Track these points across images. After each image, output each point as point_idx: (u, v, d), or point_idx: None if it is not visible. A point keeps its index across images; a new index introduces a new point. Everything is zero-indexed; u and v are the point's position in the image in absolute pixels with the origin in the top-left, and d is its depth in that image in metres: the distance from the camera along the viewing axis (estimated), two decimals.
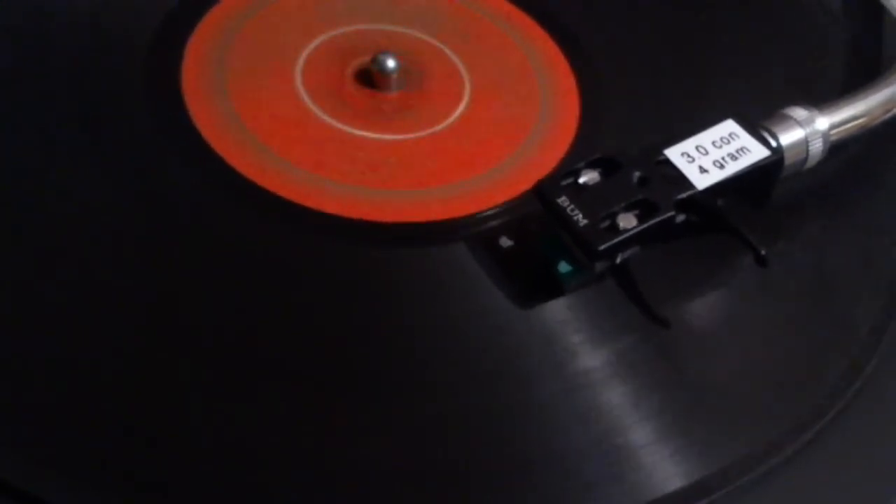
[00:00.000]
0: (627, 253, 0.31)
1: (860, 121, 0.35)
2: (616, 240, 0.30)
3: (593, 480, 0.28)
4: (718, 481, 0.29)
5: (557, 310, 0.31)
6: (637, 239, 0.31)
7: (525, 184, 0.32)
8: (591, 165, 0.32)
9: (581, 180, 0.31)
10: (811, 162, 0.34)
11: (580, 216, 0.30)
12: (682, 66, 0.40)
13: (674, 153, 0.32)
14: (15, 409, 0.27)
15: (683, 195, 0.31)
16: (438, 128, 0.36)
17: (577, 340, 0.31)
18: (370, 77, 0.37)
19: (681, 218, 0.31)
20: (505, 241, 0.32)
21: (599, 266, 0.31)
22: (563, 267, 0.31)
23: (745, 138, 0.33)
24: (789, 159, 0.33)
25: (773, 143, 0.33)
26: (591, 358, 0.30)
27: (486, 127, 0.37)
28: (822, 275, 0.34)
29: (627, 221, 0.30)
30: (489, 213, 0.34)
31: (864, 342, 0.33)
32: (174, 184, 0.33)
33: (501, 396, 0.30)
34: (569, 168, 0.32)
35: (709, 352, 0.32)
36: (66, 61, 0.36)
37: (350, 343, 0.30)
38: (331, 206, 0.33)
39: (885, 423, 0.32)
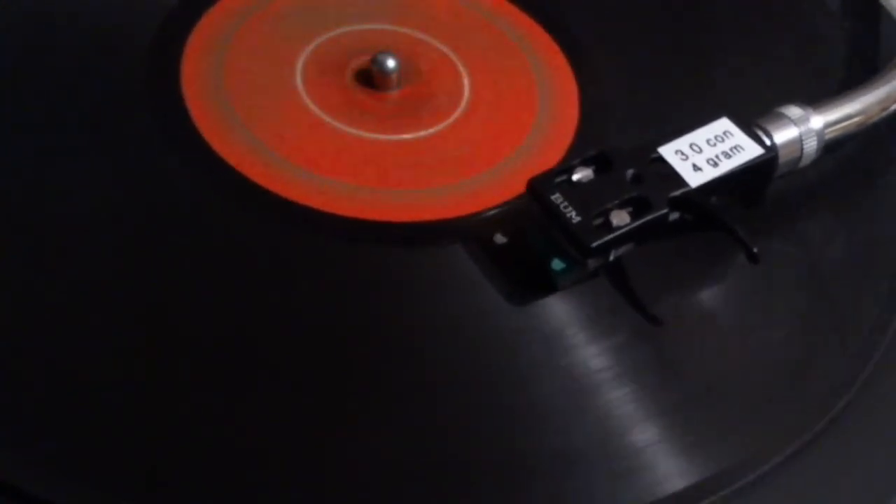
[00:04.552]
0: (621, 250, 0.31)
1: (856, 119, 0.35)
2: (609, 237, 0.30)
3: (593, 481, 0.28)
4: (719, 482, 0.29)
5: (551, 307, 0.31)
6: (630, 236, 0.31)
7: (525, 184, 0.32)
8: (585, 163, 0.32)
9: (575, 177, 0.31)
10: (806, 160, 0.34)
11: (573, 213, 0.30)
12: (682, 66, 0.40)
13: (667, 151, 0.32)
14: (15, 409, 0.27)
15: (677, 193, 0.31)
16: (438, 128, 0.36)
17: (572, 338, 0.31)
18: (370, 77, 0.37)
19: (674, 216, 0.31)
20: (500, 238, 0.33)
21: (593, 263, 0.31)
22: (557, 264, 0.31)
23: (739, 136, 0.33)
24: (783, 158, 0.33)
25: (767, 142, 0.33)
26: (587, 357, 0.30)
27: (486, 127, 0.37)
28: (819, 274, 0.34)
29: (620, 218, 0.31)
30: (489, 213, 0.34)
31: (864, 341, 0.33)
32: (173, 183, 0.33)
33: (498, 396, 0.30)
34: (562, 165, 0.32)
35: (707, 351, 0.32)
36: (66, 61, 0.36)
37: (349, 342, 0.30)
38: (330, 206, 0.33)
39: (885, 423, 0.32)
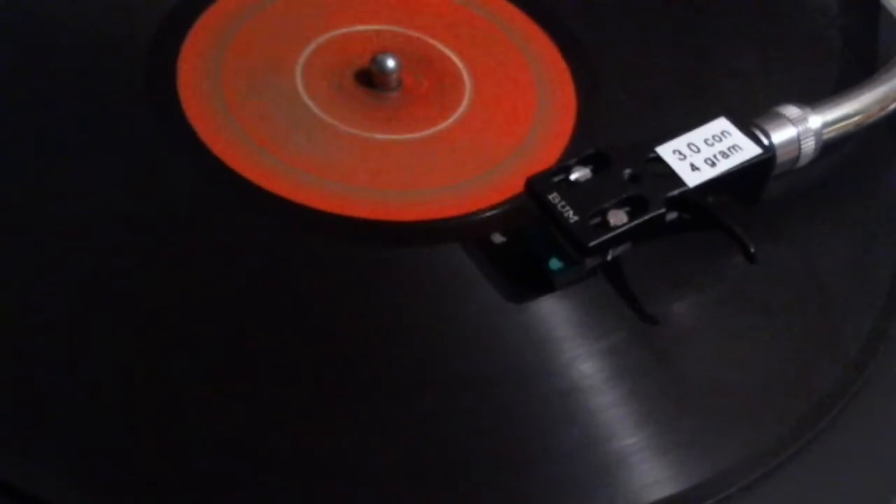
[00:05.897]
0: (618, 250, 0.31)
1: (854, 119, 0.35)
2: (606, 236, 0.30)
3: (589, 481, 0.28)
4: (718, 484, 0.29)
5: (548, 307, 0.31)
6: (628, 236, 0.31)
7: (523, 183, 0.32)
8: (583, 162, 0.32)
9: (572, 177, 0.31)
10: (804, 160, 0.34)
11: (571, 212, 0.30)
12: (681, 66, 0.40)
13: (665, 150, 0.32)
14: (15, 409, 0.27)
15: (674, 192, 0.31)
16: (438, 128, 0.37)
17: (569, 338, 0.31)
18: (370, 77, 0.37)
19: (672, 215, 0.31)
20: (497, 238, 0.33)
21: (590, 262, 0.31)
22: (554, 263, 0.31)
23: (736, 136, 0.33)
24: (781, 157, 0.33)
25: (765, 142, 0.33)
26: (584, 356, 0.30)
27: (486, 127, 0.37)
28: (817, 273, 0.34)
29: (618, 218, 0.31)
30: (489, 213, 0.34)
31: (864, 342, 0.33)
32: (171, 184, 0.33)
33: (495, 395, 0.30)
34: (560, 164, 0.32)
35: (704, 351, 0.32)
36: (66, 61, 0.36)
37: (347, 341, 0.30)
38: (330, 206, 0.33)
39: (884, 424, 0.32)
